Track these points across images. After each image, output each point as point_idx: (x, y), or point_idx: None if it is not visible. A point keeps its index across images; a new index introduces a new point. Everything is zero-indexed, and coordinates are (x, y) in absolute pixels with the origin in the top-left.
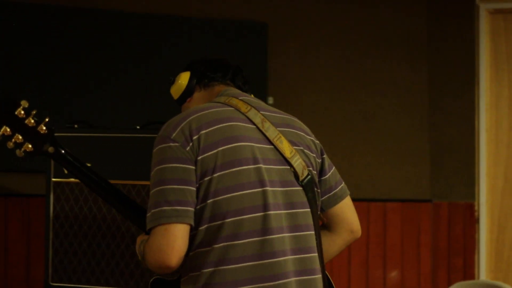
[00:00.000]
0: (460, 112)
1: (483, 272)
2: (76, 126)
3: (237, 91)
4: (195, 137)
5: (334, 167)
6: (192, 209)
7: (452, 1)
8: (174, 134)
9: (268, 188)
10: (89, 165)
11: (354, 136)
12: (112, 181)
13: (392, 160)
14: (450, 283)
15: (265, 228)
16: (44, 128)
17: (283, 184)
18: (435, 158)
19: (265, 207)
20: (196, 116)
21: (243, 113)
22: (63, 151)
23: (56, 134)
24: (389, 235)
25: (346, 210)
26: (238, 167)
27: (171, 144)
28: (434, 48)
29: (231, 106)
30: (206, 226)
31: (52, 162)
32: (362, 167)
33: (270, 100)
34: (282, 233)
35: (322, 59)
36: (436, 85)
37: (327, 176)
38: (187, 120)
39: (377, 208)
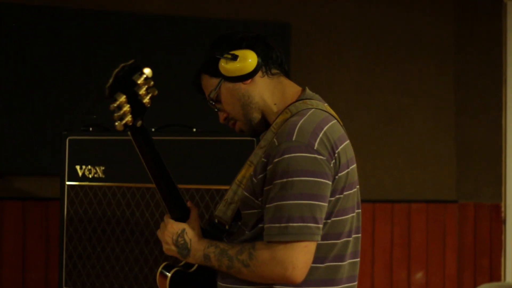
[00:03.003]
0: (486, 112)
1: (510, 274)
2: (91, 129)
3: (315, 94)
4: (336, 154)
5: None
6: None
7: (479, 1)
8: (316, 145)
9: (356, 211)
10: None
11: (379, 137)
12: (126, 184)
13: (417, 161)
14: (476, 285)
15: (355, 250)
16: (148, 101)
17: (358, 205)
18: (461, 158)
19: (357, 229)
20: (327, 128)
21: (342, 126)
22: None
23: (70, 138)
24: (414, 237)
25: None
26: (354, 189)
27: (318, 156)
28: (460, 48)
29: (331, 115)
30: (319, 243)
31: (66, 165)
32: (387, 169)
33: None
34: (358, 257)
35: (346, 60)
36: (463, 85)
37: None
38: (323, 131)
39: (401, 209)
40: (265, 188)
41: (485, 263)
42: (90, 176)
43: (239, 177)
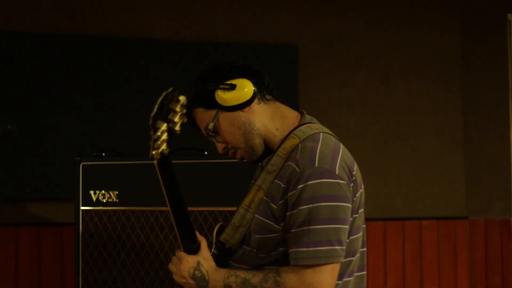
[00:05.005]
0: (494, 128)
1: None
2: (103, 154)
3: (312, 117)
4: (353, 177)
5: None
6: None
7: (484, 18)
8: (337, 170)
9: (363, 226)
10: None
11: (388, 155)
12: (140, 208)
13: (427, 178)
14: None
15: (362, 264)
16: (179, 128)
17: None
18: (470, 174)
19: (363, 243)
20: (342, 152)
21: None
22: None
23: (83, 163)
24: (426, 253)
25: None
26: (362, 208)
27: (340, 181)
28: (467, 65)
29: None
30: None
31: (81, 190)
32: (396, 186)
33: None
34: (365, 270)
35: (353, 80)
36: (470, 101)
37: None
38: (340, 156)
39: (412, 226)
40: (288, 213)
41: (497, 279)
42: (104, 200)
43: (246, 201)
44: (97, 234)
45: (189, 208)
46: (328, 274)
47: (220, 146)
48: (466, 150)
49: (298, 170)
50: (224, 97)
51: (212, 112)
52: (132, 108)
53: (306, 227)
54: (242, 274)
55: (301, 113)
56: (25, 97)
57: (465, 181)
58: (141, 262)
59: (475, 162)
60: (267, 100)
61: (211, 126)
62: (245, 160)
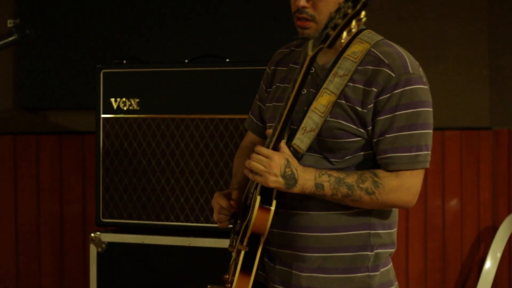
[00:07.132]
0: None
1: None
2: (124, 61)
3: None
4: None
5: None
6: None
7: None
8: (424, 77)
9: None
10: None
11: None
12: (161, 116)
13: (450, 88)
14: (510, 211)
15: None
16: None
17: None
18: (494, 84)
19: None
20: None
21: None
22: None
23: (104, 71)
24: (448, 164)
25: None
26: None
27: (427, 87)
28: None
29: None
30: None
31: (101, 98)
32: None
33: None
34: None
35: None
36: (496, 10)
37: None
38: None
39: (435, 136)
40: (380, 118)
41: None
42: (125, 108)
43: (316, 105)
44: (118, 142)
45: (213, 116)
46: (421, 177)
47: (302, 2)
48: (491, 60)
49: (394, 75)
50: None
51: None
52: (155, 15)
53: (407, 132)
54: (335, 173)
55: None
56: (44, 6)
57: (489, 91)
58: (162, 170)
59: (500, 72)
60: None
61: None
62: (301, 34)
